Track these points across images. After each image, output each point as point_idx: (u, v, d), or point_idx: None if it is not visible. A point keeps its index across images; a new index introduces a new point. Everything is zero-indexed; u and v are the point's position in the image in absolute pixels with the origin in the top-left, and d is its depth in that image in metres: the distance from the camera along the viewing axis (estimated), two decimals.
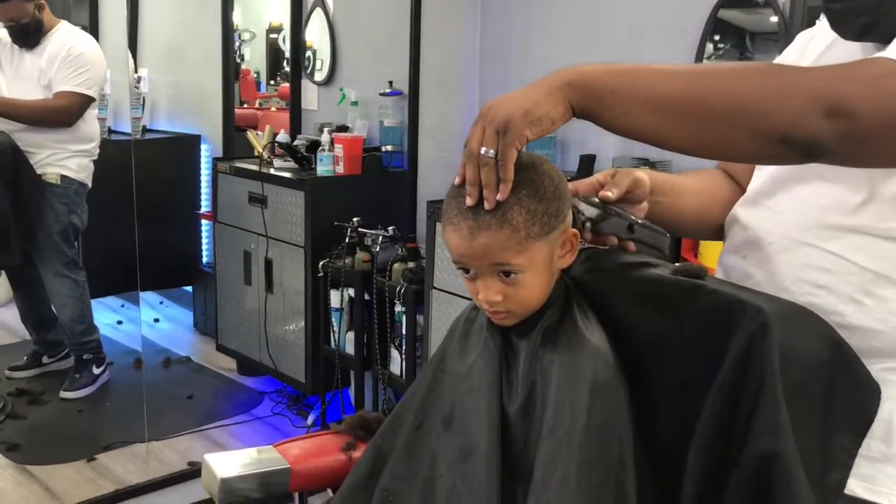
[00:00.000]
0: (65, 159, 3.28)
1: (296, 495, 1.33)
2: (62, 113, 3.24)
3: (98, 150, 3.39)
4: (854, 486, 0.96)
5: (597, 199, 1.08)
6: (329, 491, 1.30)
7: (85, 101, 3.25)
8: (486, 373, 1.03)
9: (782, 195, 1.06)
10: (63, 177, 3.27)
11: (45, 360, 3.58)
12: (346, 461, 1.26)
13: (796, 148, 0.87)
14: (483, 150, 0.93)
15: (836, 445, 0.94)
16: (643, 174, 1.11)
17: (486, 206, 0.95)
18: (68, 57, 3.22)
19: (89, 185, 3.38)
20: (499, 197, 0.95)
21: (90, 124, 3.36)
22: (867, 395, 0.94)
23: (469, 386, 1.04)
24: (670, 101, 0.92)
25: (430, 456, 1.05)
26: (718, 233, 1.20)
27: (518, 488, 0.97)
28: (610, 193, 1.08)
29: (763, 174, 1.11)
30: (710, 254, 2.03)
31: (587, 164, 2.61)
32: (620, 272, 1.09)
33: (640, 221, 1.09)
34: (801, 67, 0.93)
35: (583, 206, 1.07)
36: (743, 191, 1.17)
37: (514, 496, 0.97)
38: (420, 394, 1.13)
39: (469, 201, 0.96)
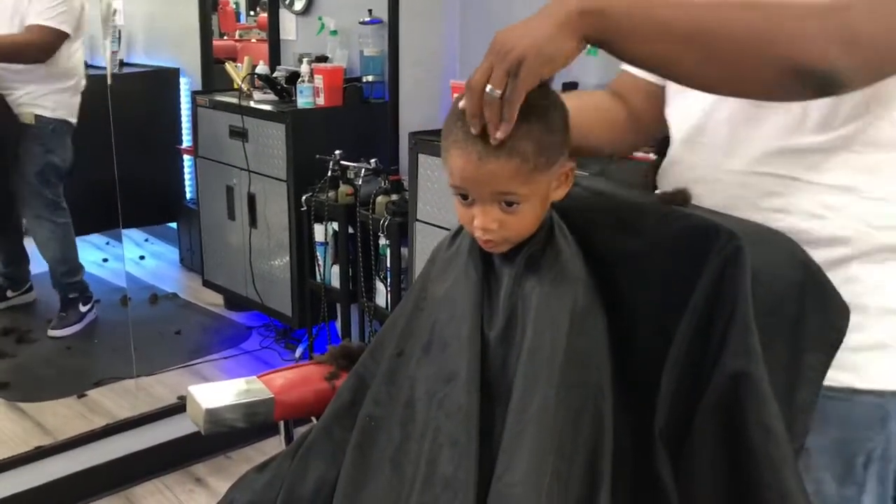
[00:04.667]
0: (40, 98, 3.15)
1: (281, 424, 1.36)
2: (31, 49, 3.04)
3: (84, 84, 3.26)
4: None
5: None
6: (314, 419, 1.32)
7: (57, 37, 3.08)
8: (467, 298, 1.04)
9: (718, 132, 1.06)
10: (38, 116, 3.16)
11: (9, 293, 3.57)
12: (330, 390, 1.28)
13: (812, 80, 0.87)
14: (489, 88, 0.90)
15: (805, 365, 0.96)
16: None
17: (491, 140, 0.93)
18: None
19: (72, 121, 3.26)
20: (499, 135, 0.92)
21: (70, 59, 3.20)
22: (836, 315, 0.96)
23: (451, 312, 1.05)
24: (691, 29, 0.89)
25: (410, 381, 1.07)
26: (596, 151, 1.23)
27: (496, 410, 0.99)
28: None
29: (692, 114, 1.10)
30: None
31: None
32: (598, 198, 1.11)
33: None
34: None
35: None
36: (636, 117, 1.21)
37: (492, 417, 0.99)
38: (402, 321, 1.14)
39: (473, 131, 0.94)
